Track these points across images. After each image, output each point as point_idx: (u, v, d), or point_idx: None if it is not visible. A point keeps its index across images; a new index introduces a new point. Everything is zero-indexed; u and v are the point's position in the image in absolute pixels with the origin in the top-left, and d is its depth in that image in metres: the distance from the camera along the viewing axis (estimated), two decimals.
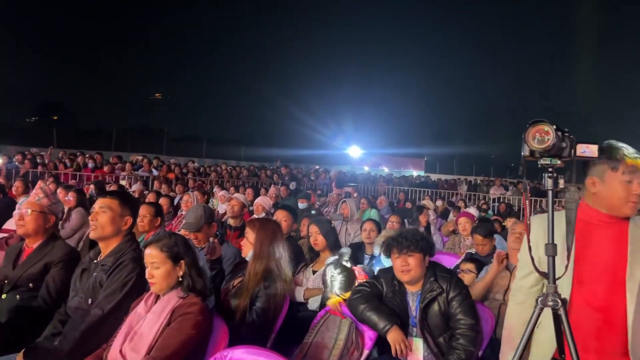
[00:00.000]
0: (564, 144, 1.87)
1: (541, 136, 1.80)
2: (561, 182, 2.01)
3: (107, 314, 2.54)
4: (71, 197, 5.86)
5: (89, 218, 2.74)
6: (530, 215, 2.05)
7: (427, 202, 11.56)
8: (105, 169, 11.92)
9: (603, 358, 2.04)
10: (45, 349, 2.56)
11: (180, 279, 2.43)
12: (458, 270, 4.10)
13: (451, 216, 10.34)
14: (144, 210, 4.39)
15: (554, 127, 1.81)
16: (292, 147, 32.32)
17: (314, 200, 9.76)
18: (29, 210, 3.05)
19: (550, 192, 1.91)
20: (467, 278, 3.96)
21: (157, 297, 2.44)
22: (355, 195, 11.34)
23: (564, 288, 2.00)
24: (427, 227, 7.14)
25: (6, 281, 3.01)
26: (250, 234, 3.18)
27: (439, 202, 12.43)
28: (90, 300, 2.63)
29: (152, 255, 2.39)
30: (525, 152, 1.89)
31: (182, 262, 2.43)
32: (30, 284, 2.97)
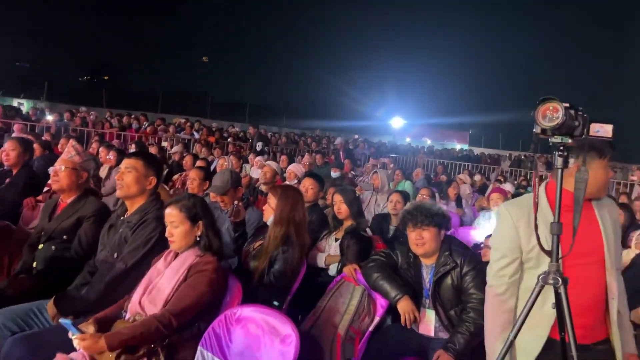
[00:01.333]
0: (576, 123, 1.84)
1: (551, 114, 1.77)
2: (571, 161, 1.99)
3: (130, 268, 2.70)
4: (112, 156, 6.11)
5: (115, 177, 2.88)
6: (538, 192, 2.03)
7: (463, 176, 11.40)
8: (148, 129, 12.27)
9: (587, 332, 2.09)
10: (73, 297, 2.75)
11: (197, 239, 2.54)
12: (482, 245, 4.08)
13: (489, 191, 10.20)
14: (193, 174, 4.63)
15: (565, 105, 1.78)
16: (333, 119, 32.10)
17: (347, 169, 9.79)
18: (62, 167, 3.22)
19: (559, 171, 1.89)
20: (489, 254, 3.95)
21: (176, 255, 2.56)
22: (391, 166, 11.30)
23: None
24: (458, 201, 7.08)
25: (43, 232, 3.21)
26: (272, 200, 3.27)
27: (477, 177, 12.22)
28: (115, 254, 2.79)
29: (172, 215, 2.51)
30: (537, 129, 1.86)
31: (200, 222, 2.53)
32: (64, 236, 3.16)
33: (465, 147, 31.20)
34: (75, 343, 2.20)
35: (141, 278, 2.59)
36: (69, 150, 3.27)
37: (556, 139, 1.86)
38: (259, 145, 12.37)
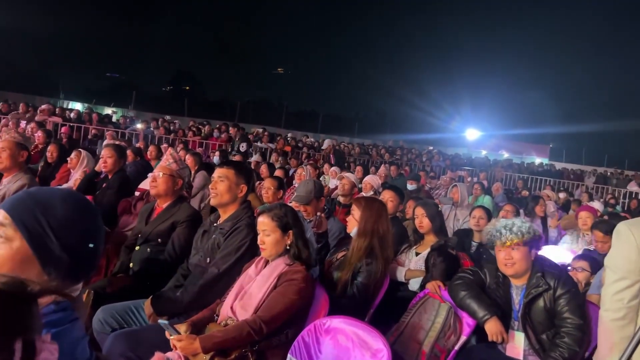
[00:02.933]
0: None
1: None
2: None
3: (222, 273, 2.80)
4: (188, 160, 6.49)
5: (209, 187, 3.01)
6: None
7: (548, 192, 10.90)
8: (223, 136, 12.74)
9: None
10: (168, 298, 2.89)
11: (288, 247, 2.60)
12: (569, 268, 3.88)
13: (572, 210, 9.70)
14: (268, 183, 4.77)
15: None
16: (405, 132, 31.74)
17: (424, 182, 9.65)
18: (161, 174, 3.41)
19: None
20: (580, 276, 3.75)
21: (267, 262, 2.64)
22: (468, 180, 11.02)
23: None
24: (544, 219, 6.78)
25: (139, 235, 3.41)
26: (355, 211, 3.28)
27: (561, 194, 11.66)
28: (208, 259, 2.91)
29: (264, 223, 2.59)
30: None
31: (291, 232, 2.59)
32: (159, 239, 3.34)
33: (546, 161, 29.83)
34: (172, 343, 2.32)
35: (232, 283, 2.69)
36: (167, 158, 3.46)
37: None
38: (242, 147, 11.70)
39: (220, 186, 2.98)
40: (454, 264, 3.47)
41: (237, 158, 9.63)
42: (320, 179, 8.20)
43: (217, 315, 2.60)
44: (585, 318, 2.77)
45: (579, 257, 4.01)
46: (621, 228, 2.14)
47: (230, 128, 14.59)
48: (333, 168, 9.15)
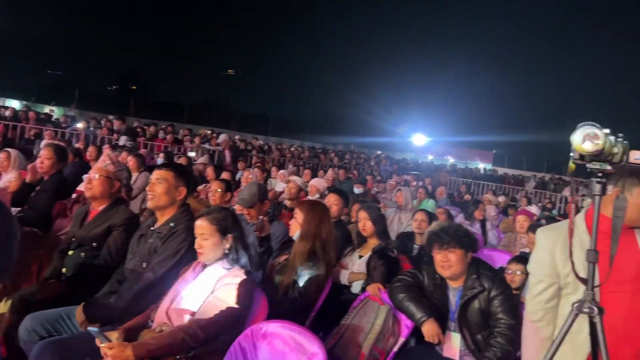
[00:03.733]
0: (615, 149, 1.81)
1: (590, 140, 1.75)
2: (610, 188, 1.96)
3: (159, 278, 2.73)
4: (130, 161, 6.31)
5: (147, 189, 2.92)
6: (573, 218, 1.99)
7: (489, 196, 11.27)
8: (168, 137, 12.48)
9: None
10: (102, 304, 2.79)
11: (226, 252, 2.56)
12: (507, 270, 4.01)
13: (511, 214, 10.07)
14: (215, 185, 4.70)
15: (606, 131, 1.75)
16: (355, 135, 32.00)
17: (371, 186, 9.77)
18: (97, 175, 3.29)
19: (597, 198, 1.86)
20: (517, 279, 3.88)
21: (204, 266, 2.58)
22: (414, 184, 11.23)
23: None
24: (483, 222, 7.00)
25: (73, 239, 3.27)
26: (298, 215, 3.27)
27: (501, 198, 12.07)
28: (145, 264, 2.83)
29: (202, 227, 2.53)
30: (575, 155, 1.84)
31: (230, 235, 2.55)
32: (94, 244, 3.21)
33: (489, 166, 30.84)
34: (103, 351, 2.23)
35: (169, 289, 2.61)
36: (103, 159, 3.35)
37: (595, 165, 1.83)
38: (122, 140, 10.82)
39: (157, 188, 2.90)
40: (394, 266, 3.52)
41: (275, 170, 9.43)
42: (268, 182, 8.15)
43: (152, 322, 2.52)
44: (518, 318, 2.86)
45: (515, 260, 4.14)
46: (538, 234, 2.24)
47: (114, 120, 13.44)
48: (282, 171, 9.12)
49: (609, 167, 1.82)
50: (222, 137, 12.97)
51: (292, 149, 16.74)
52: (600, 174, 1.84)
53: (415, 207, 7.11)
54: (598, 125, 1.75)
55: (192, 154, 10.84)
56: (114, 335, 2.37)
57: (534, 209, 8.32)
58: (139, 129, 13.16)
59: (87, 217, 3.37)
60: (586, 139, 1.76)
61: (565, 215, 10.43)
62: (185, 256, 2.78)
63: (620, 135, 1.82)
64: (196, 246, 2.55)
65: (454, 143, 37.45)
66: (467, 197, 11.17)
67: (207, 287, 2.46)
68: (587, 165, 1.84)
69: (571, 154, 1.85)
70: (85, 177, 3.34)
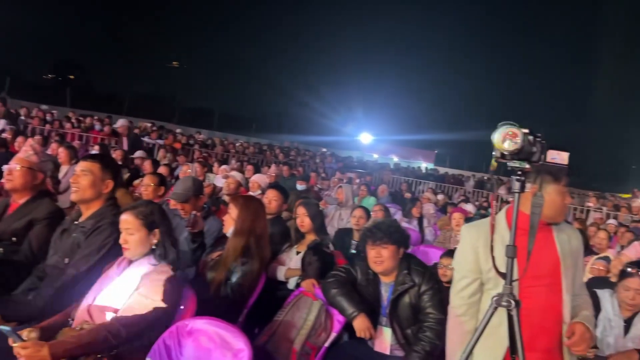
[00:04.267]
0: (534, 149, 1.88)
1: (510, 139, 1.81)
2: (529, 185, 2.04)
3: (81, 275, 2.60)
4: (62, 153, 6.01)
5: (71, 181, 2.78)
6: (496, 214, 2.06)
7: (428, 194, 11.56)
8: (105, 129, 12.00)
9: (544, 355, 2.12)
10: (19, 302, 2.64)
11: (153, 247, 2.48)
12: (439, 265, 4.11)
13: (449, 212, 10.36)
14: (147, 180, 4.53)
15: (525, 130, 1.82)
16: (303, 134, 31.99)
17: (314, 182, 9.79)
18: (18, 166, 3.10)
19: (516, 195, 1.93)
20: (449, 274, 3.97)
21: (130, 263, 2.49)
22: (357, 181, 11.34)
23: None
24: (420, 219, 7.16)
25: None
26: (233, 210, 3.22)
27: (440, 196, 12.40)
28: (67, 260, 2.69)
29: (128, 222, 2.44)
30: (497, 153, 1.90)
31: (157, 230, 2.47)
32: (14, 238, 3.02)
33: (431, 166, 31.69)
34: (16, 351, 2.10)
35: (92, 286, 2.50)
36: (26, 149, 3.16)
37: (514, 164, 1.90)
38: (0, 124, 9.73)
39: (82, 180, 2.77)
40: (328, 262, 3.53)
41: (216, 165, 8.99)
42: (206, 176, 8.00)
43: (72, 320, 2.41)
44: (446, 313, 2.94)
45: (447, 254, 4.24)
46: (462, 230, 2.32)
47: None
48: (223, 166, 8.98)
49: (527, 166, 1.89)
50: (120, 122, 11.85)
51: (237, 144, 16.51)
52: (519, 172, 1.91)
53: (356, 204, 7.19)
54: (517, 125, 1.81)
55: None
56: (32, 334, 2.24)
57: (469, 207, 8.58)
58: (73, 120, 12.60)
59: (7, 211, 3.18)
60: (506, 138, 1.82)
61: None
62: (110, 252, 2.66)
63: (538, 135, 1.89)
64: (121, 241, 2.45)
65: (398, 142, 38.23)
66: (408, 195, 11.38)
67: (132, 284, 2.37)
68: (508, 163, 1.91)
69: (493, 153, 1.91)
70: (5, 168, 3.14)
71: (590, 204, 13.90)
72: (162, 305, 2.34)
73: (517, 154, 1.84)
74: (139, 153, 8.85)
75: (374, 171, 18.08)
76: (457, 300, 2.26)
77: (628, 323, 3.08)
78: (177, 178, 7.44)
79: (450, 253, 4.23)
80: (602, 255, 5.03)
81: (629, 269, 3.11)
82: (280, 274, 3.90)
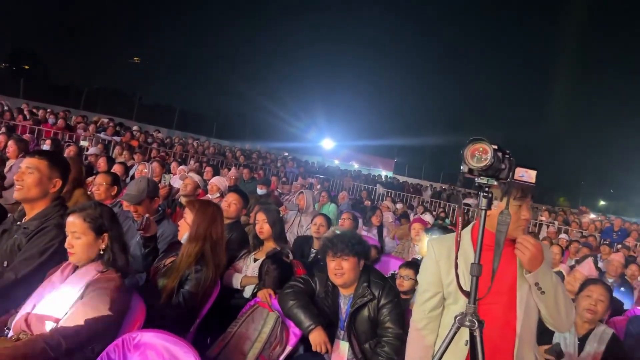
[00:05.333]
0: (502, 165, 1.84)
1: (480, 155, 1.77)
2: (496, 202, 2.01)
3: (21, 279, 2.42)
4: (10, 146, 5.70)
5: (14, 177, 2.59)
6: (460, 231, 2.02)
7: (387, 203, 11.62)
8: (59, 123, 11.50)
9: None
10: None
11: (101, 252, 2.32)
12: (397, 275, 4.08)
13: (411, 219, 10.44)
14: (100, 179, 4.33)
15: (494, 147, 1.78)
16: (265, 139, 31.62)
17: (274, 187, 9.66)
18: None
19: (483, 212, 1.89)
20: (406, 285, 3.95)
21: (75, 268, 2.33)
22: (318, 187, 11.29)
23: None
24: (380, 228, 7.15)
25: None
26: (188, 215, 3.08)
27: (399, 205, 12.50)
28: (5, 263, 2.50)
29: (74, 225, 2.28)
30: (465, 168, 1.85)
31: (106, 235, 2.32)
32: None
33: (390, 174, 32.01)
34: None
35: (32, 292, 2.33)
36: None
37: (482, 180, 1.85)
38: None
39: (28, 178, 2.58)
40: (287, 272, 3.43)
41: (174, 165, 8.55)
42: (162, 177, 7.76)
43: (9, 329, 2.23)
44: (405, 327, 2.89)
45: (405, 265, 4.22)
46: (427, 244, 2.29)
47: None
48: (181, 167, 8.73)
49: (495, 183, 1.86)
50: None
51: (196, 144, 16.18)
52: (487, 189, 1.87)
53: (317, 211, 7.11)
54: (487, 141, 1.77)
55: (84, 143, 10.08)
56: None
57: (428, 217, 8.66)
58: (26, 112, 12.05)
59: None
60: (475, 153, 1.78)
61: (454, 225, 10.98)
62: (55, 256, 2.49)
63: (507, 151, 1.86)
64: (66, 245, 2.29)
65: (359, 148, 38.50)
66: (367, 202, 11.40)
67: (76, 292, 2.21)
68: (476, 179, 1.87)
69: (461, 168, 1.86)
70: None
71: (543, 218, 14.30)
72: (108, 315, 2.19)
73: (485, 171, 1.80)
74: (93, 150, 8.52)
75: (335, 177, 18.09)
76: (419, 313, 2.23)
77: (582, 342, 3.10)
78: (132, 177, 7.18)
79: (409, 264, 4.21)
80: (554, 270, 5.12)
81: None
82: (236, 281, 3.78)
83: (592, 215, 17.81)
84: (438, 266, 2.16)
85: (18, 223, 2.63)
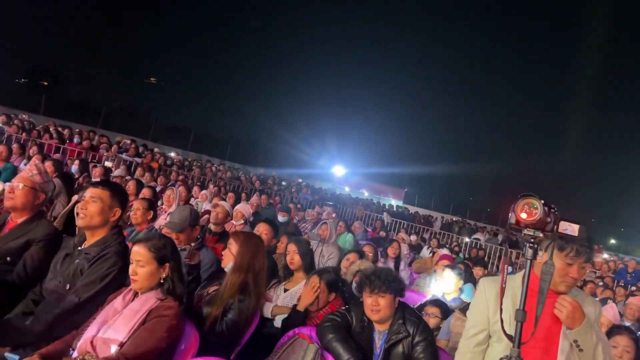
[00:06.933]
0: (548, 219, 1.99)
1: (529, 210, 1.92)
2: (541, 253, 2.15)
3: (83, 303, 2.57)
4: (48, 168, 5.93)
5: (79, 207, 2.77)
6: (505, 278, 2.15)
7: (402, 234, 11.69)
8: (84, 144, 11.80)
9: None
10: (15, 326, 2.58)
11: (162, 281, 2.48)
12: (423, 313, 4.19)
13: (424, 252, 10.49)
14: (137, 204, 4.50)
15: (542, 202, 1.93)
16: (276, 166, 31.85)
17: (294, 214, 9.81)
18: (21, 185, 3.06)
19: (528, 262, 2.03)
20: (432, 322, 4.07)
21: (135, 294, 2.48)
22: (333, 216, 11.41)
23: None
24: (396, 260, 7.23)
25: None
26: (233, 246, 3.23)
27: (413, 237, 12.57)
28: (68, 286, 2.66)
29: (140, 254, 2.44)
30: (512, 220, 2.00)
31: (167, 265, 2.48)
32: (8, 258, 2.96)
33: (400, 203, 32.08)
34: None
35: (92, 315, 2.48)
36: (30, 169, 3.13)
37: (529, 232, 2.00)
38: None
39: (92, 207, 2.76)
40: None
41: (196, 190, 8.75)
42: (192, 202, 7.94)
43: (73, 350, 2.37)
44: None
45: (431, 304, 4.34)
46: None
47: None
48: (204, 192, 8.92)
49: (541, 235, 2.00)
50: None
51: (214, 169, 16.40)
52: (532, 240, 2.01)
53: (336, 241, 7.21)
54: (537, 197, 1.93)
55: (108, 164, 10.31)
56: None
57: (445, 251, 8.72)
58: (52, 130, 12.35)
59: (4, 229, 3.12)
60: (526, 207, 1.93)
61: (469, 259, 11.03)
62: (114, 282, 2.65)
63: (552, 206, 2.01)
64: (131, 272, 2.45)
65: (369, 175, 38.63)
66: (382, 233, 11.50)
67: (139, 317, 2.35)
68: (523, 231, 2.02)
69: (509, 220, 2.01)
70: (7, 185, 3.10)
71: None
72: (168, 341, 2.33)
73: (533, 224, 1.95)
74: (119, 171, 8.73)
75: (346, 205, 18.19)
76: (464, 346, 2.38)
77: None
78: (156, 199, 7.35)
79: (435, 302, 4.32)
80: None
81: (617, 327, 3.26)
82: (267, 310, 3.89)
83: (605, 255, 17.73)
84: (487, 305, 2.30)
85: (79, 248, 2.79)
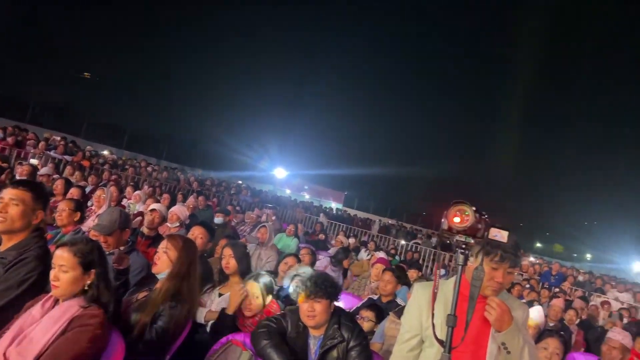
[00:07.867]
0: (479, 226, 2.04)
1: (461, 216, 1.96)
2: (471, 259, 2.20)
3: None
4: None
5: None
6: (438, 283, 2.19)
7: (341, 237, 11.78)
8: (9, 140, 11.11)
9: None
10: None
11: (86, 288, 2.34)
12: (357, 316, 4.21)
13: (362, 254, 10.63)
14: (63, 204, 4.26)
15: (474, 209, 1.98)
16: (215, 166, 31.19)
17: (232, 217, 9.66)
18: None
19: (459, 267, 2.07)
20: (366, 326, 4.09)
21: (56, 302, 2.33)
22: (273, 218, 11.33)
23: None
24: (345, 271, 7.26)
25: None
26: (171, 252, 3.06)
27: (352, 240, 12.71)
28: None
29: (63, 258, 2.30)
30: (444, 226, 2.04)
31: (93, 271, 2.35)
32: None
33: (340, 206, 32.40)
34: None
35: (8, 324, 2.31)
36: None
37: (460, 238, 2.04)
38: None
39: (12, 210, 2.57)
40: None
41: (129, 190, 8.29)
42: (124, 203, 7.63)
43: None
44: None
45: (366, 307, 4.37)
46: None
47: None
48: (137, 192, 8.61)
49: (472, 241, 2.05)
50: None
51: (150, 169, 15.89)
52: (464, 246, 2.06)
53: (274, 244, 7.16)
54: (468, 203, 1.97)
55: (34, 162, 9.74)
56: None
57: (381, 255, 8.87)
58: None
59: None
60: (458, 214, 1.97)
61: (405, 262, 11.28)
62: (33, 288, 2.48)
63: (484, 213, 2.07)
64: (52, 278, 2.30)
65: (311, 177, 38.75)
66: (322, 236, 11.54)
67: (59, 326, 2.21)
68: (454, 237, 2.05)
69: (441, 226, 2.05)
70: None
71: None
72: (91, 352, 2.21)
73: (464, 230, 1.99)
74: (46, 170, 8.28)
75: (286, 207, 18.15)
76: (398, 351, 2.40)
77: None
78: (86, 200, 7.01)
79: (370, 306, 4.36)
80: None
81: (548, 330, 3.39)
82: (200, 316, 3.79)
83: (531, 258, 18.63)
84: (420, 310, 2.33)
85: None
